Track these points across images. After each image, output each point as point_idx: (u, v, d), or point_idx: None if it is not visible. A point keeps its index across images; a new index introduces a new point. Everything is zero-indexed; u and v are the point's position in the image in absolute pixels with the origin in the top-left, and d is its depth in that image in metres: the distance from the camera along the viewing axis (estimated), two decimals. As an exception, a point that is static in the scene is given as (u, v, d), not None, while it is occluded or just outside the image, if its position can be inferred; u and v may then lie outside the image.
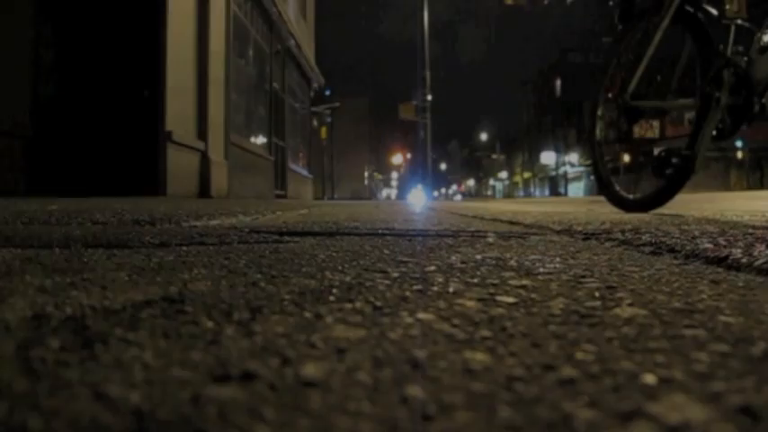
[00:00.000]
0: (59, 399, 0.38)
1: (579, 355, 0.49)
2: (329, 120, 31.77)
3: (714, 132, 2.73)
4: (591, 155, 3.52)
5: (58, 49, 6.88)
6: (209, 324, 0.59)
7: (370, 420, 0.36)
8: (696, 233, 1.55)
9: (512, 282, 0.88)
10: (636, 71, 3.14)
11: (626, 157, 37.23)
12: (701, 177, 3.55)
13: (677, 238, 1.44)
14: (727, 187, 27.49)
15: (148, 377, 0.43)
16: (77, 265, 1.02)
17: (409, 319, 0.63)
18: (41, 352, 0.49)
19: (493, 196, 65.35)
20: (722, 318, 0.63)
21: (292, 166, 16.15)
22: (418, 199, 21.55)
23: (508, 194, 68.75)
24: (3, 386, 0.40)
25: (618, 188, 3.27)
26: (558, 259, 1.19)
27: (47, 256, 1.15)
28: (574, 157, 50.95)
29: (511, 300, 0.74)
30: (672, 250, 1.27)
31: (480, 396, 0.40)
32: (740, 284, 0.86)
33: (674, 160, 2.77)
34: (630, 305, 0.71)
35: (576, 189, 50.15)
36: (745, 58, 2.62)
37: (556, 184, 55.55)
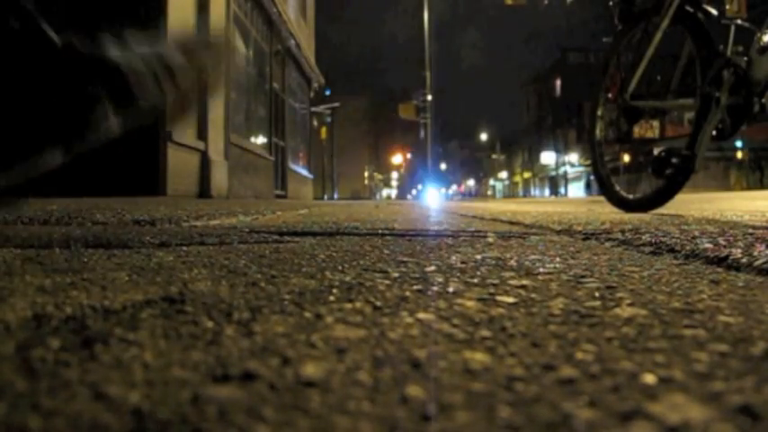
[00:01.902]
0: (59, 399, 0.38)
1: (579, 355, 0.49)
2: (329, 120, 31.78)
3: (714, 132, 2.73)
4: (591, 155, 3.52)
5: (58, 49, 6.88)
6: (209, 324, 0.59)
7: (370, 420, 0.36)
8: (696, 233, 1.55)
9: (512, 282, 0.88)
10: (636, 71, 3.15)
11: (626, 157, 37.20)
12: (700, 177, 3.56)
13: (677, 238, 1.44)
14: (727, 187, 27.46)
15: (148, 377, 0.43)
16: (77, 265, 1.02)
17: (409, 319, 0.63)
18: (41, 352, 0.49)
19: (493, 196, 65.34)
20: (722, 318, 0.63)
21: (292, 166, 16.15)
22: (423, 198, 21.55)
23: (509, 195, 68.75)
24: (3, 386, 0.40)
25: (618, 188, 3.28)
26: (558, 259, 1.19)
27: (47, 256, 1.15)
28: (574, 157, 50.92)
29: (511, 300, 0.74)
30: (672, 250, 1.27)
31: (480, 396, 0.40)
32: (740, 284, 0.86)
33: (674, 160, 2.77)
34: (630, 305, 0.71)
35: (576, 189, 50.11)
36: (745, 58, 2.62)
37: (556, 184, 55.52)
